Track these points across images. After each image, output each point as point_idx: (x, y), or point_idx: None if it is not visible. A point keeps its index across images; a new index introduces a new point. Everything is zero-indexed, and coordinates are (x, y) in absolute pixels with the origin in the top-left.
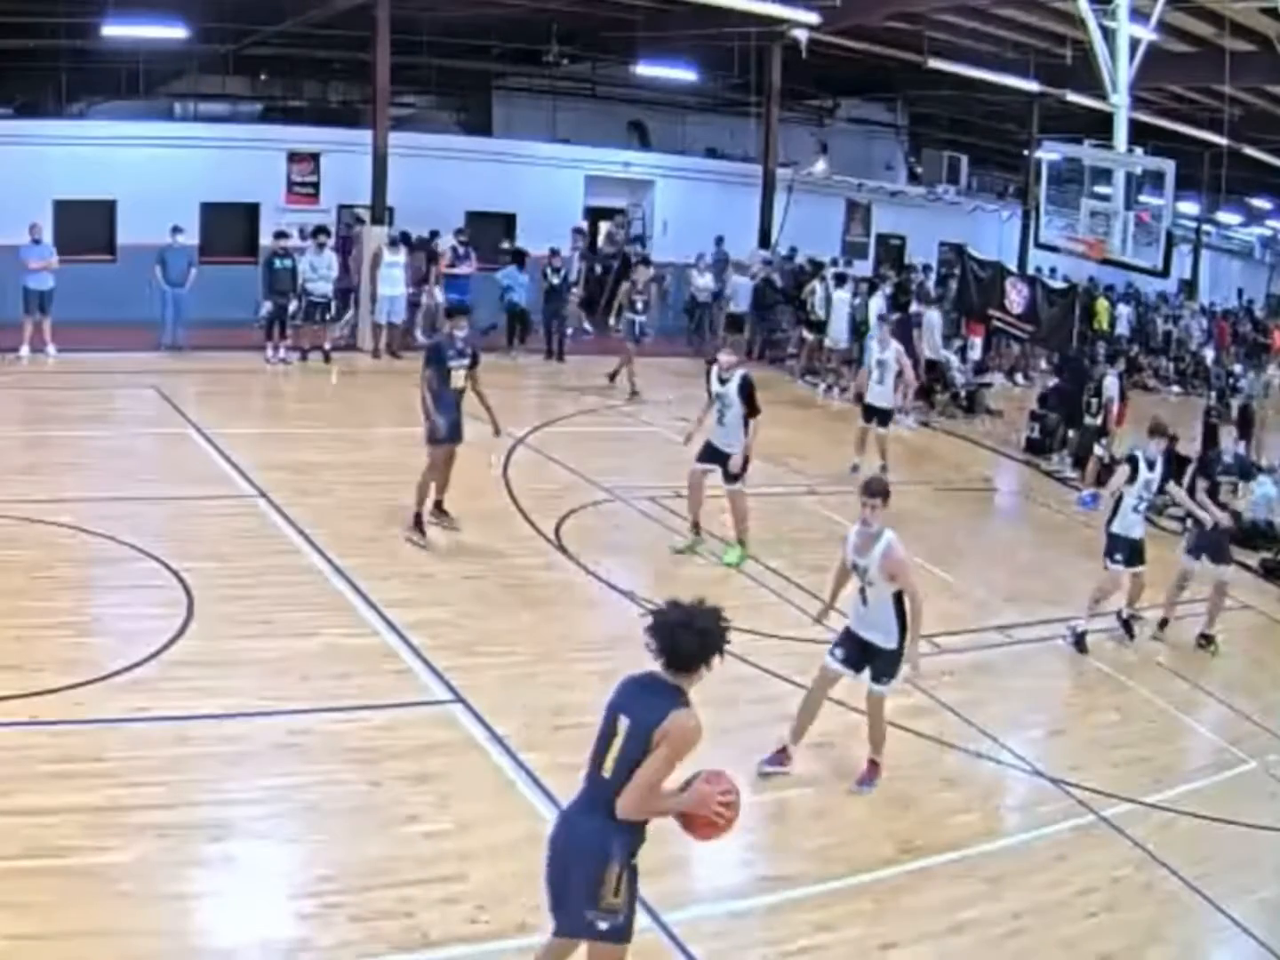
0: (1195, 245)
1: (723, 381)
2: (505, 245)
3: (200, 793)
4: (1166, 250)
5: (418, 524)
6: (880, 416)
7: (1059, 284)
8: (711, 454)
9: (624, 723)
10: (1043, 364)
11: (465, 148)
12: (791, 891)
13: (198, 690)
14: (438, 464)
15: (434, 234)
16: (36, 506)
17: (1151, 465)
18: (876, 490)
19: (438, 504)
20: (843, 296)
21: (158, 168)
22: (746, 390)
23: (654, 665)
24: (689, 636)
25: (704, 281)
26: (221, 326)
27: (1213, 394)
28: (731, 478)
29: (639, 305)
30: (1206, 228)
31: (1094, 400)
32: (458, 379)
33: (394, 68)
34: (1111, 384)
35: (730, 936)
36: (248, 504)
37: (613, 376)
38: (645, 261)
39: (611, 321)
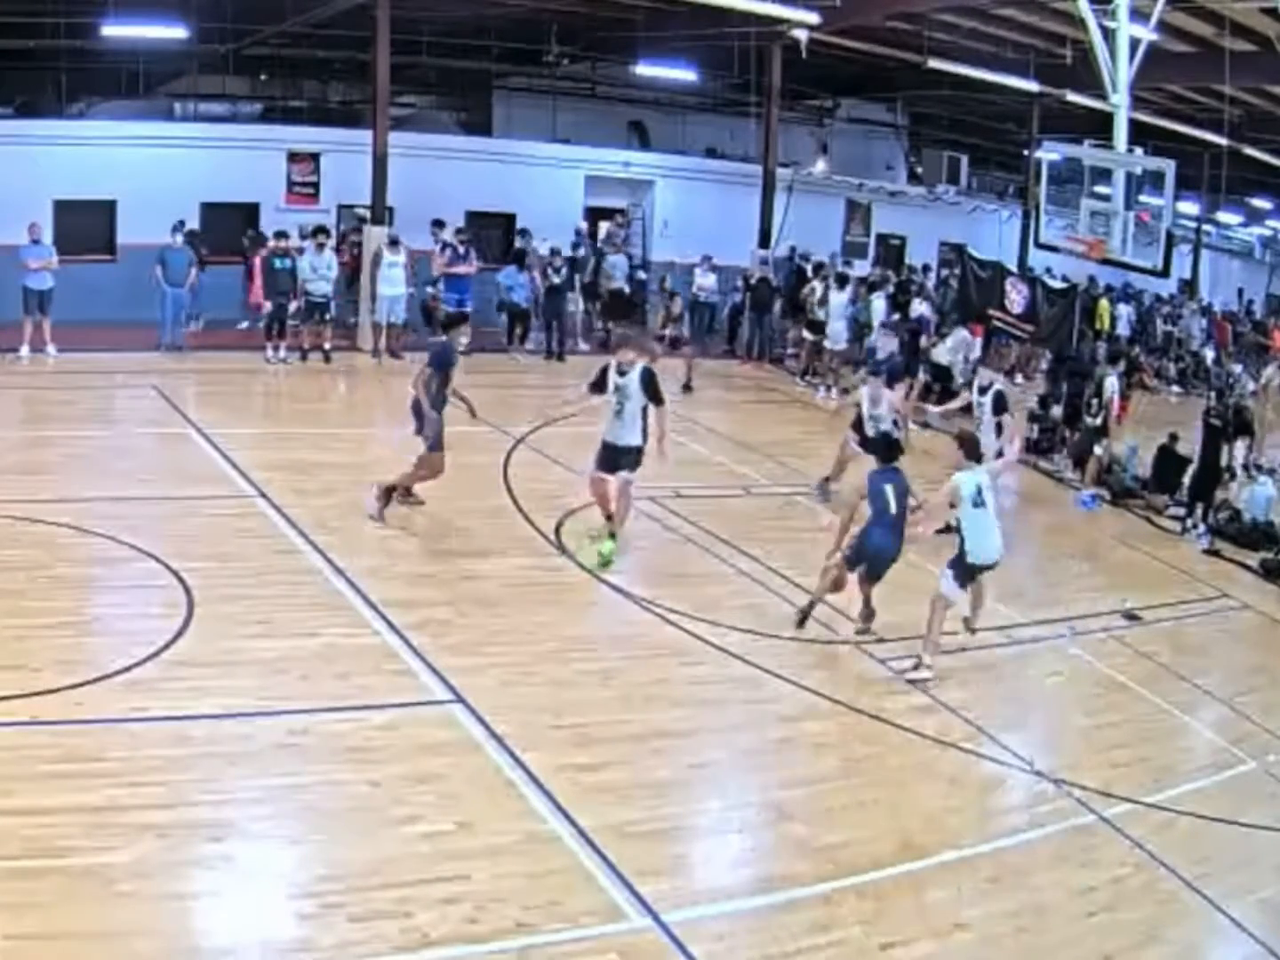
0: (1195, 245)
1: (622, 373)
2: (518, 244)
3: (200, 793)
4: (1166, 250)
5: (387, 497)
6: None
7: (1059, 284)
8: (610, 457)
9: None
10: (1043, 364)
11: (465, 148)
12: (791, 891)
13: (198, 690)
14: (437, 469)
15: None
16: (36, 506)
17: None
18: None
19: (407, 490)
20: (840, 297)
21: (158, 168)
22: (648, 381)
23: None
24: None
25: (707, 282)
26: (221, 327)
27: (1213, 394)
28: (632, 469)
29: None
30: (1206, 228)
31: (1094, 400)
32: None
33: (394, 68)
34: (1112, 384)
35: (730, 936)
36: (248, 504)
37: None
38: (674, 295)
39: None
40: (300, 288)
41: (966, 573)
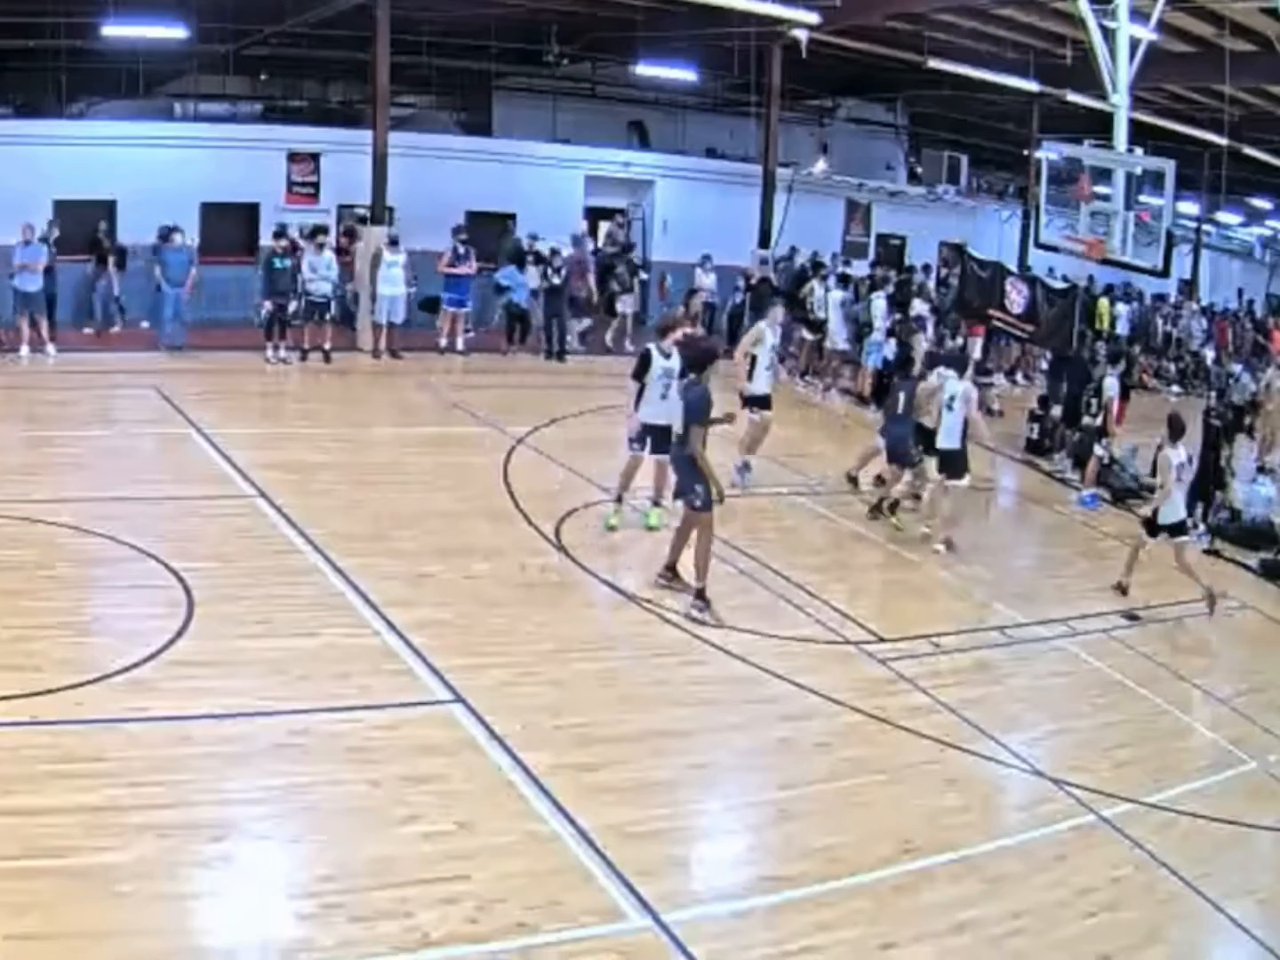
0: (1195, 245)
1: (666, 355)
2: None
3: (200, 793)
4: (1166, 250)
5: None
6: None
7: (1059, 284)
8: (658, 438)
9: None
10: (1043, 364)
11: (465, 148)
12: (792, 891)
13: (198, 690)
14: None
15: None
16: (36, 506)
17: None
18: None
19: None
20: (836, 296)
21: (158, 168)
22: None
23: None
24: None
25: (709, 282)
26: (222, 327)
27: (1213, 394)
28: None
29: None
30: (1206, 228)
31: (1094, 400)
32: None
33: (394, 68)
34: (1112, 384)
35: (731, 936)
36: (248, 504)
37: None
38: (694, 291)
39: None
40: (300, 288)
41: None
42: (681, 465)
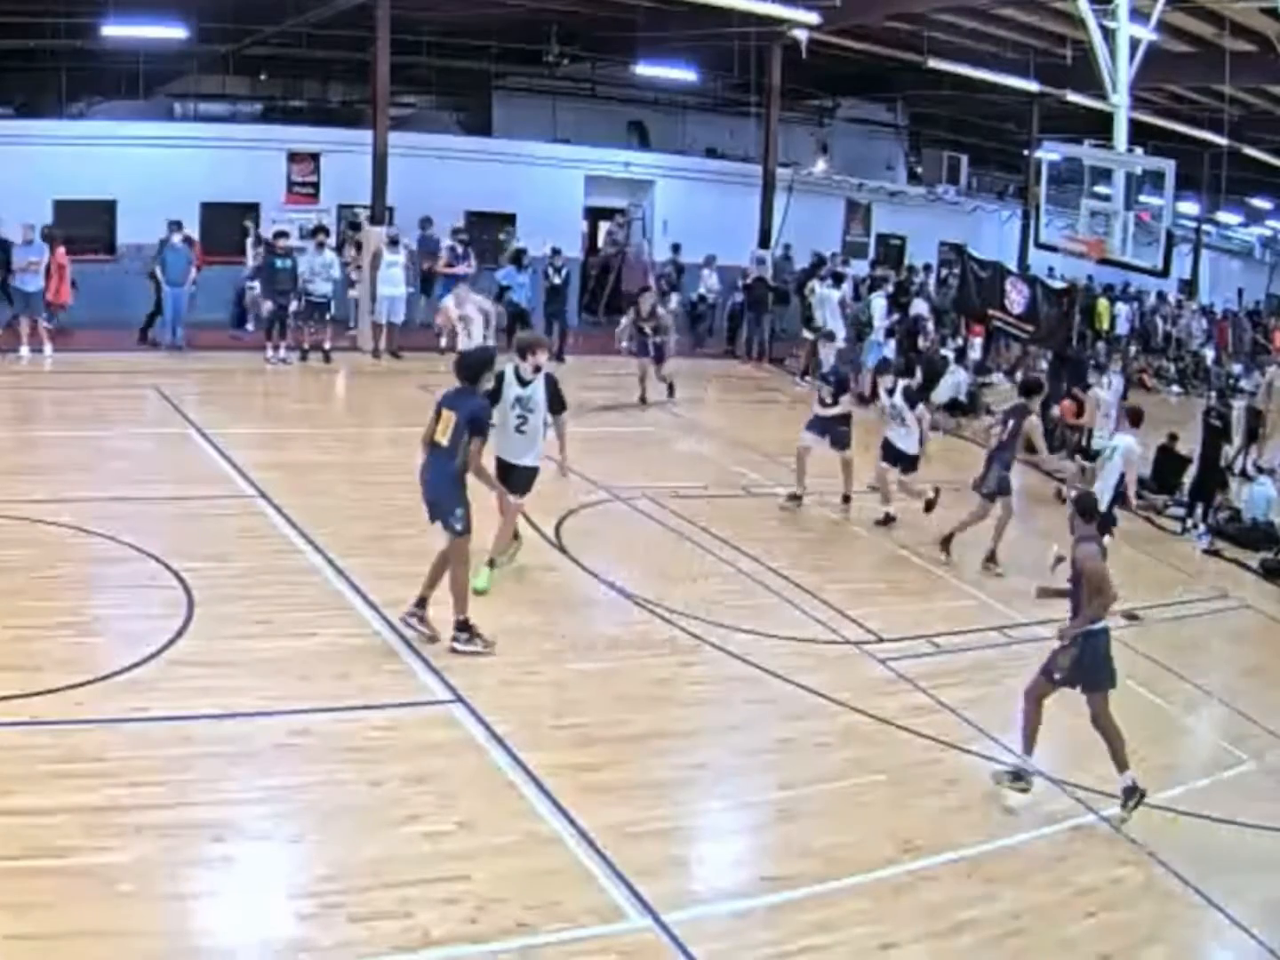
0: (1195, 245)
1: (524, 382)
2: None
3: (200, 793)
4: (1166, 250)
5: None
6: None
7: (1059, 284)
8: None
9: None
10: (1043, 364)
11: (465, 148)
12: (792, 892)
13: (198, 690)
14: None
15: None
16: (36, 506)
17: None
18: None
19: None
20: (833, 294)
21: (158, 168)
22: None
23: None
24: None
25: (713, 282)
26: (222, 327)
27: (1213, 394)
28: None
29: (655, 335)
30: (1206, 228)
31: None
32: None
33: (394, 68)
34: (1110, 384)
35: (731, 937)
36: (248, 504)
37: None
38: (665, 294)
39: (625, 344)
40: (300, 288)
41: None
42: (443, 486)
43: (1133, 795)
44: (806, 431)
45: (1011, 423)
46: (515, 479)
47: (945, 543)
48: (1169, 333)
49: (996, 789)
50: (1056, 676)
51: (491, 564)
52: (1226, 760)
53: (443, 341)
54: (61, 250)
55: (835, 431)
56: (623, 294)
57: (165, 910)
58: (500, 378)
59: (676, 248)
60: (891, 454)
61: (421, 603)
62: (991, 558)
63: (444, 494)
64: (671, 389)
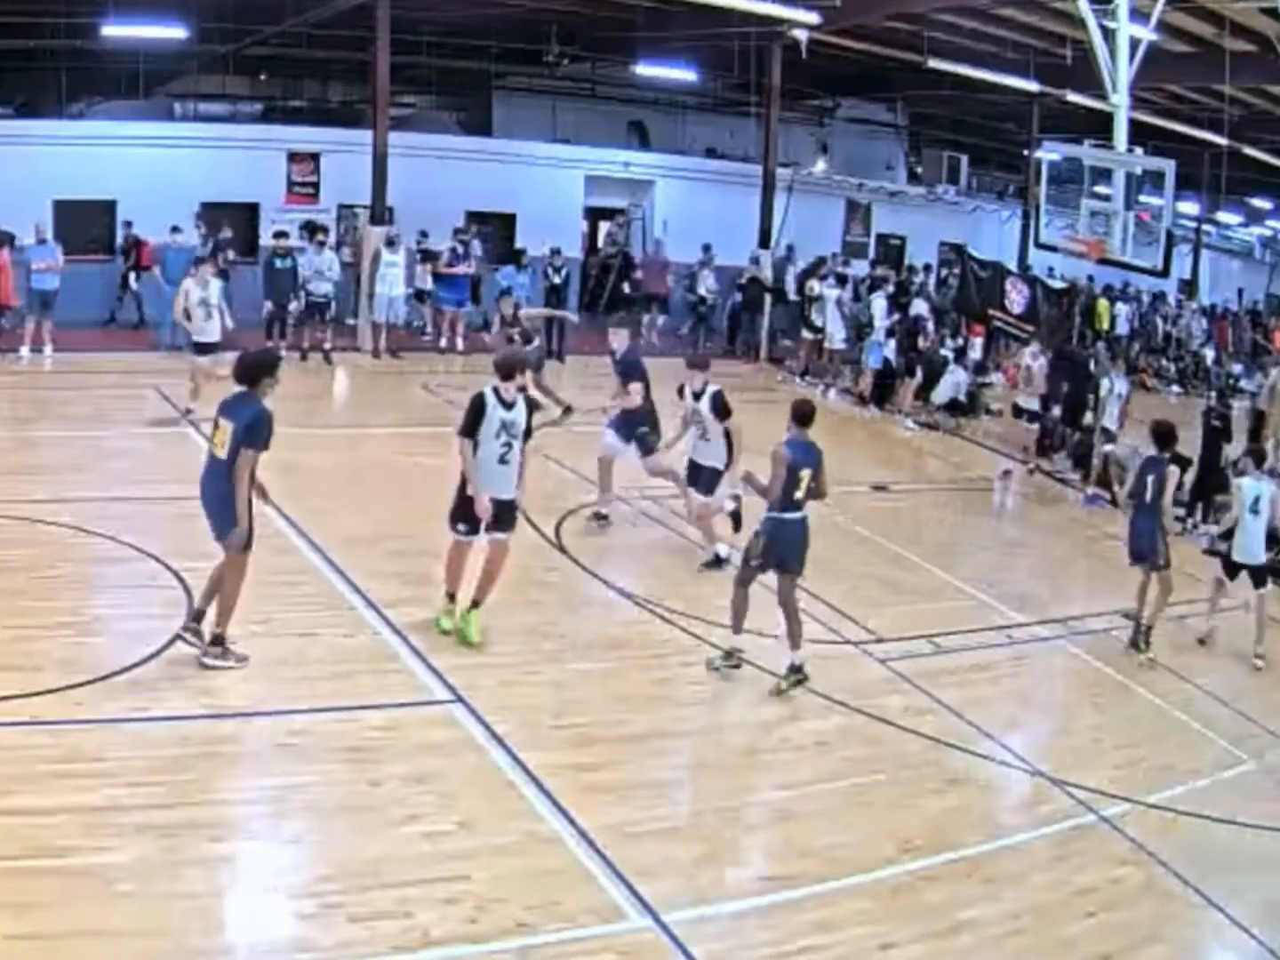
0: (1195, 245)
1: (508, 405)
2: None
3: (200, 793)
4: (1166, 250)
5: None
6: None
7: (1059, 284)
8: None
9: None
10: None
11: (465, 148)
12: (792, 892)
13: (198, 690)
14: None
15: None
16: (36, 506)
17: None
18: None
19: None
20: (831, 294)
21: (158, 168)
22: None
23: None
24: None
25: (711, 282)
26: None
27: (1213, 394)
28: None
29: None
30: (1206, 228)
31: (1092, 398)
32: None
33: (394, 68)
34: (1113, 385)
35: (731, 937)
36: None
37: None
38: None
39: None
40: (300, 288)
41: None
42: (218, 502)
43: (797, 673)
44: (608, 431)
45: (1152, 478)
46: (503, 517)
47: (1146, 635)
48: (1169, 333)
49: (715, 673)
50: (754, 562)
51: (476, 605)
52: (1226, 760)
53: (442, 342)
54: (6, 251)
55: (638, 434)
56: (641, 293)
57: (165, 910)
58: (480, 402)
59: (707, 248)
60: (694, 474)
61: (197, 616)
62: (1147, 632)
63: (220, 510)
64: (562, 404)
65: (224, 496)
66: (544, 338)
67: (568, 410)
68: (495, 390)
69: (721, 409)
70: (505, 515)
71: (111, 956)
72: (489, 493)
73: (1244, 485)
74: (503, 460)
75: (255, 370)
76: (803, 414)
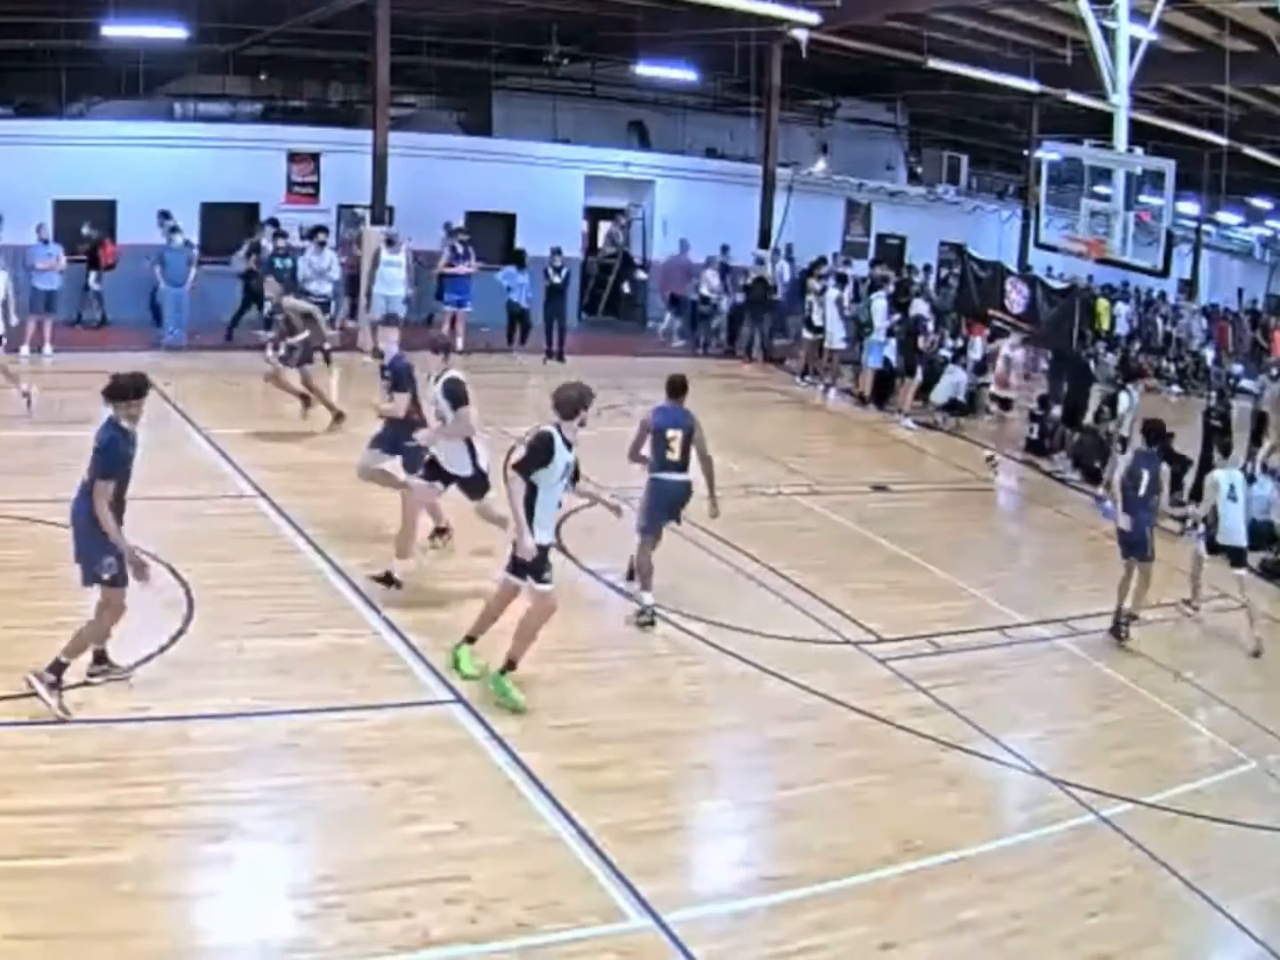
0: (1195, 245)
1: (570, 445)
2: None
3: (200, 793)
4: (1166, 250)
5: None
6: None
7: (1059, 284)
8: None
9: None
10: (1043, 364)
11: (465, 148)
12: (792, 892)
13: (198, 690)
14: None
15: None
16: (36, 506)
17: None
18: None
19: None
20: (833, 294)
21: (158, 168)
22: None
23: None
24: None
25: (714, 282)
26: (223, 327)
27: (1213, 394)
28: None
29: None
30: (1206, 228)
31: (1105, 408)
32: None
33: (394, 68)
34: (1126, 400)
35: (731, 937)
36: (248, 504)
37: None
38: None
39: (269, 355)
40: (300, 288)
41: None
42: (84, 531)
43: (646, 614)
44: (369, 451)
45: (1147, 474)
46: (544, 562)
47: (1130, 622)
48: (1169, 333)
49: (639, 630)
50: (641, 524)
51: (471, 640)
52: (1226, 760)
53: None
54: None
55: (404, 448)
56: (663, 294)
57: (165, 910)
58: (549, 443)
59: (725, 249)
60: (438, 473)
61: (99, 658)
62: (1128, 622)
63: (86, 539)
64: (307, 400)
65: (86, 526)
66: (320, 330)
67: (339, 417)
68: (558, 429)
69: (455, 396)
70: (545, 560)
71: (111, 956)
72: (540, 539)
73: (1219, 477)
74: (559, 505)
75: (115, 391)
76: (673, 385)
